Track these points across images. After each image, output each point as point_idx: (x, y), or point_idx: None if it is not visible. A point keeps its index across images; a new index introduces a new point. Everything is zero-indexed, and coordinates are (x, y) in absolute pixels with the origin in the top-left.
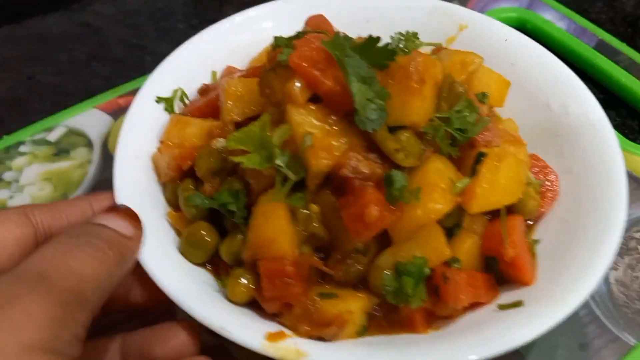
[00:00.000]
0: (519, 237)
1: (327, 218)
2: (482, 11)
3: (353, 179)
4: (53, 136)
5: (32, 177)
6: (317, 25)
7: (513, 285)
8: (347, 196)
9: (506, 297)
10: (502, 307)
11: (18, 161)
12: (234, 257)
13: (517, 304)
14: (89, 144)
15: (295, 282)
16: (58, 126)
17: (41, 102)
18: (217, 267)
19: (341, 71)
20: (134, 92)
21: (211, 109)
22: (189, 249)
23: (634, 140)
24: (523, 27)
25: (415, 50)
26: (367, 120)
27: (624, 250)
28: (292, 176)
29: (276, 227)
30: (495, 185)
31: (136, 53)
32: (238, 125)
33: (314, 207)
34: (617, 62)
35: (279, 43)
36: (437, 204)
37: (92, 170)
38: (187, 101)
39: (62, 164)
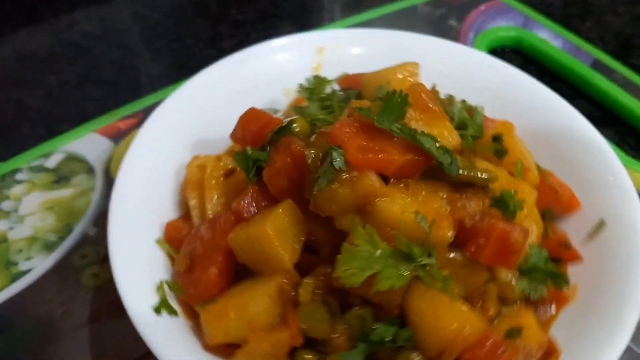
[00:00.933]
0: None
1: (454, 275)
2: (479, 30)
3: (477, 223)
4: (51, 162)
5: (33, 206)
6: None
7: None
8: (475, 241)
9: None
10: (592, 236)
11: (16, 190)
12: None
13: (601, 225)
14: (89, 170)
15: (504, 345)
16: (56, 152)
17: (33, 128)
18: None
19: (393, 140)
20: (133, 115)
21: (229, 270)
22: None
23: (633, 157)
24: (519, 46)
25: (412, 84)
26: (449, 166)
27: None
28: (433, 262)
29: (462, 316)
30: (525, 149)
31: (130, 74)
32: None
33: (447, 273)
34: (613, 81)
35: (240, 162)
36: (531, 194)
37: (95, 197)
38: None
39: (63, 192)
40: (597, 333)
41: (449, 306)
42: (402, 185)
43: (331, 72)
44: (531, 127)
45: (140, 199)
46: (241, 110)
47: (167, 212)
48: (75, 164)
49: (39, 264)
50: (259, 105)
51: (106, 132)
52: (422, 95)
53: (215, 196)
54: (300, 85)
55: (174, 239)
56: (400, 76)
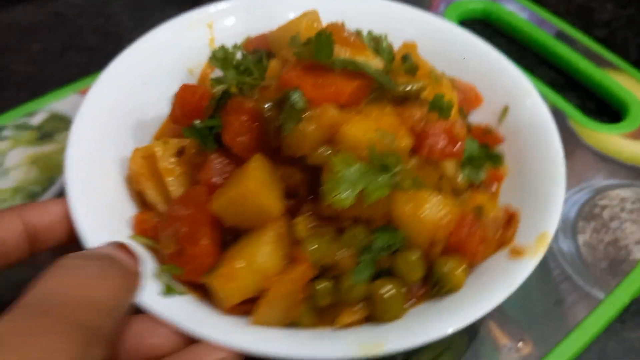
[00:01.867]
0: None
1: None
2: (449, 3)
3: (424, 127)
4: (35, 121)
5: (17, 160)
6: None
7: None
8: (426, 143)
9: None
10: (501, 120)
11: (1, 145)
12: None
13: (506, 110)
14: None
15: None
16: (40, 111)
17: (18, 91)
18: None
19: (336, 73)
20: None
21: (218, 237)
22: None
23: (593, 119)
24: (487, 18)
25: (328, 24)
26: (389, 84)
27: (589, 216)
28: (404, 167)
29: (441, 205)
30: (429, 63)
31: (112, 41)
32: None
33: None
34: (575, 50)
35: (193, 135)
36: (454, 95)
37: None
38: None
39: (47, 148)
40: (539, 190)
41: (428, 200)
42: (355, 111)
43: (225, 42)
44: (430, 47)
45: (98, 203)
46: (156, 97)
47: (125, 209)
48: (59, 122)
49: None
50: (171, 90)
51: None
52: (341, 32)
53: (176, 177)
54: (212, 58)
55: (146, 231)
56: (306, 24)
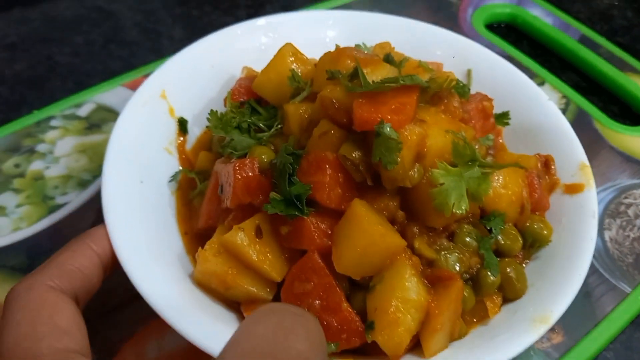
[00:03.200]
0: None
1: None
2: (476, 7)
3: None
4: (83, 111)
5: (67, 149)
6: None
7: None
8: (471, 123)
9: None
10: None
11: (50, 134)
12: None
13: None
14: None
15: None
16: (86, 102)
17: (63, 82)
18: None
19: (389, 94)
20: None
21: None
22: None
23: (616, 121)
24: (513, 22)
25: (339, 49)
26: (428, 83)
27: (615, 213)
28: (480, 154)
29: (519, 174)
30: None
31: (152, 37)
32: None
33: None
34: (598, 54)
35: (280, 209)
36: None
37: None
38: None
39: (95, 137)
40: (548, 131)
41: (509, 175)
42: (419, 122)
43: (183, 107)
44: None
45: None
46: (156, 192)
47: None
48: (105, 113)
49: (74, 199)
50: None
51: (133, 86)
52: (355, 53)
53: (270, 259)
54: (211, 127)
55: None
56: (291, 60)
